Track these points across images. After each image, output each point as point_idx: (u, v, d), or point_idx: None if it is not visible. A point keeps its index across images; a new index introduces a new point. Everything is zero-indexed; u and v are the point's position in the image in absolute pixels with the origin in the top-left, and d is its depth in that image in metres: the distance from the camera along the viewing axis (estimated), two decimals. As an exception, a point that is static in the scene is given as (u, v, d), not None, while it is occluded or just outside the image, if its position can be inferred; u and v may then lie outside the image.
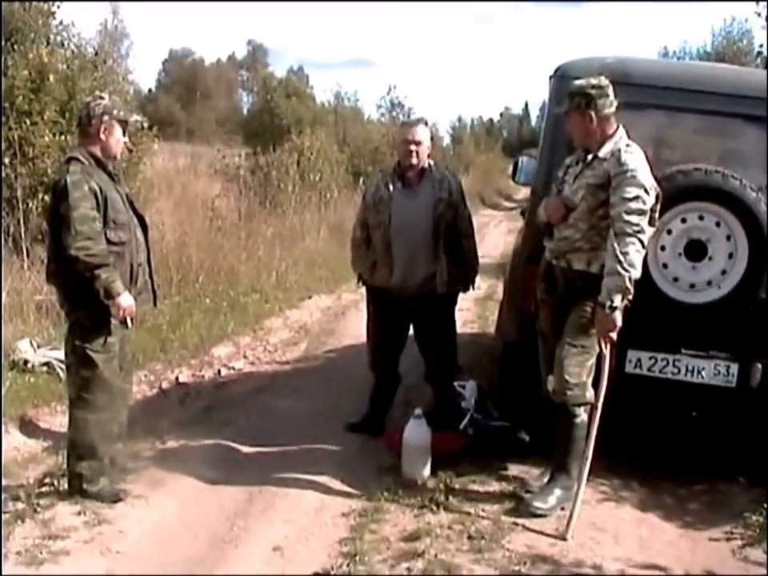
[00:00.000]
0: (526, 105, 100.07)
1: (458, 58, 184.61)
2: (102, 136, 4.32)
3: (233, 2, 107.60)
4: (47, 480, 4.59)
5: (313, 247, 12.70)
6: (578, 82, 4.30)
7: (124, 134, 4.47)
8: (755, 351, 4.70)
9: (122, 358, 4.53)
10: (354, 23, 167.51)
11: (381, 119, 27.84)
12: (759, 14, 15.19)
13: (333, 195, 16.32)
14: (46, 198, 5.62)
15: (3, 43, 9.43)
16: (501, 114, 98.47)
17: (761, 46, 18.71)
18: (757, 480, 4.77)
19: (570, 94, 4.29)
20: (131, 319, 4.33)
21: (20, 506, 4.27)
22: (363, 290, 5.73)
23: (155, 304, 4.78)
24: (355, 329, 7.55)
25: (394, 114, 27.62)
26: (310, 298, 10.19)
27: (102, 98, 4.48)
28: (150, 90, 58.57)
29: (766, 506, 4.44)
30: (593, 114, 4.20)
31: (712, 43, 23.78)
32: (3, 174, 8.62)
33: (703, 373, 4.72)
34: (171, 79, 64.48)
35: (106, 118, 4.32)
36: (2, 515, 4.14)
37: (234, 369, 7.20)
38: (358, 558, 3.86)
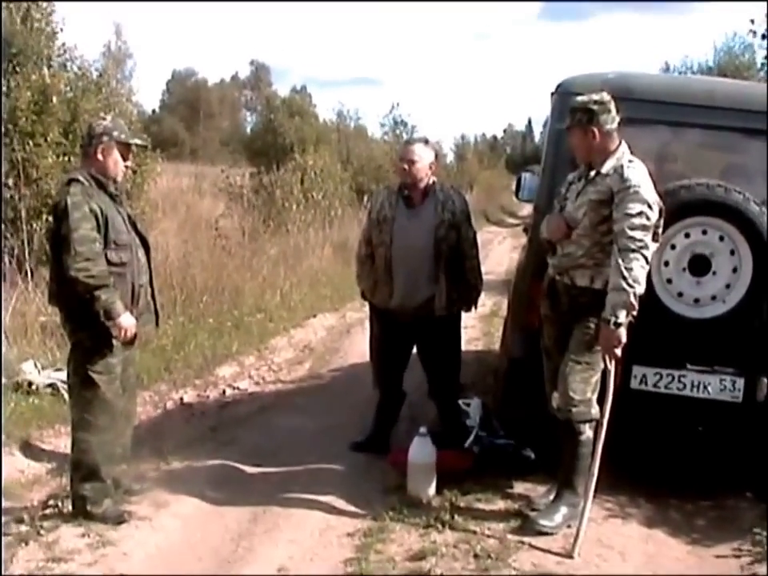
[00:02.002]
0: (529, 121, 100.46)
1: (461, 75, 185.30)
2: (100, 156, 4.32)
3: (236, 13, 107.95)
4: (51, 502, 4.57)
5: (317, 266, 12.70)
6: (579, 98, 4.29)
7: (127, 157, 4.47)
8: (761, 366, 4.67)
9: (126, 379, 4.52)
10: (358, 41, 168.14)
11: (384, 137, 27.98)
12: (754, 33, 15.09)
13: (336, 213, 16.36)
14: (50, 219, 5.65)
15: (5, 65, 9.48)
16: (504, 131, 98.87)
17: (763, 64, 18.66)
18: (765, 496, 4.74)
19: (572, 109, 4.29)
20: (133, 340, 4.33)
21: (24, 528, 4.24)
22: (367, 306, 5.71)
23: (157, 324, 4.78)
24: (360, 347, 7.53)
25: (398, 131, 27.73)
26: (314, 316, 10.16)
27: (104, 119, 4.50)
28: (153, 111, 59.00)
29: (774, 522, 4.41)
30: (595, 129, 4.20)
31: (714, 58, 23.80)
32: (7, 196, 8.66)
33: (709, 388, 4.69)
34: (175, 99, 65.03)
35: (105, 138, 4.33)
36: (6, 537, 4.13)
37: (238, 389, 7.18)
38: (363, 578, 3.84)
